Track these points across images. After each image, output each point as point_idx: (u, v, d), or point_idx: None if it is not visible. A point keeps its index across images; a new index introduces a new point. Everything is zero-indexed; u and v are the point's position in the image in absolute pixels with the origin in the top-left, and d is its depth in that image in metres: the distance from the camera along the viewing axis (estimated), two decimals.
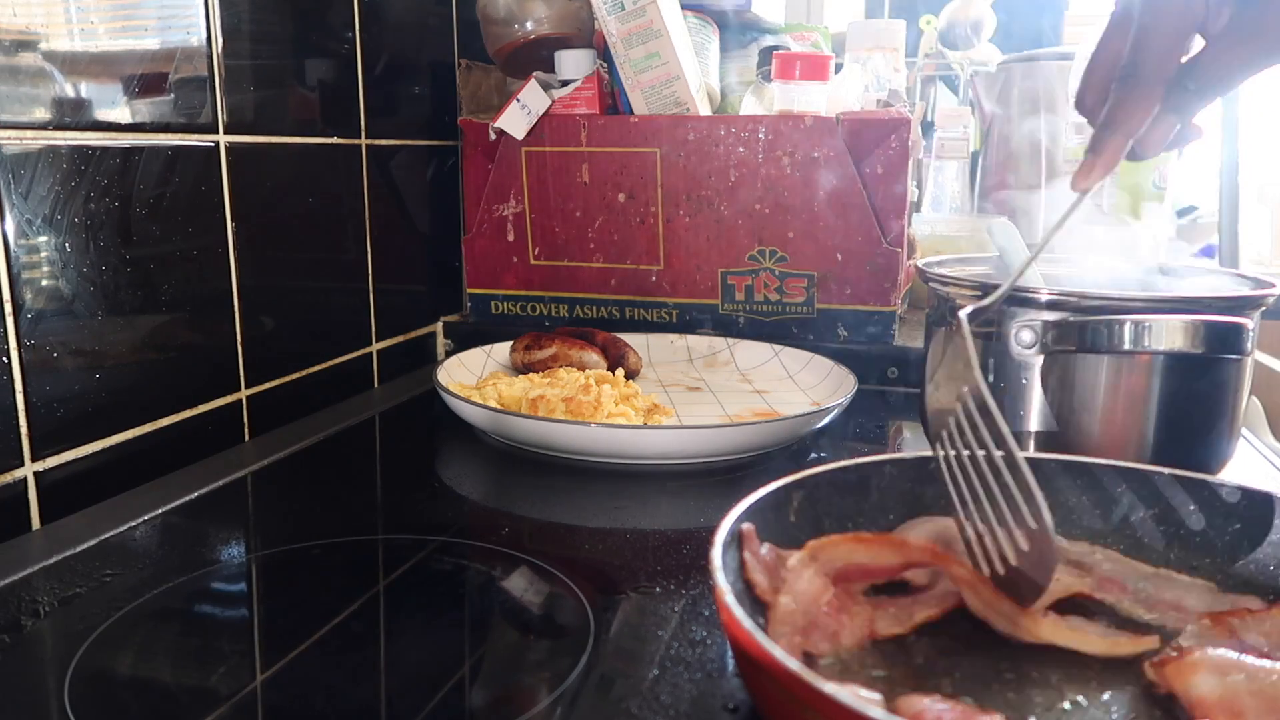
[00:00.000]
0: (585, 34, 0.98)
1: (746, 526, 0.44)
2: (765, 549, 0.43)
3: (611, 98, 0.96)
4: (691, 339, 0.95)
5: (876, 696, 0.36)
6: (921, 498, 0.50)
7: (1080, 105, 0.50)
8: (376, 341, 0.93)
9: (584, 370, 0.81)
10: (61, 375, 0.60)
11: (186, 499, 0.61)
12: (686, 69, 0.91)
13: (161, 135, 0.66)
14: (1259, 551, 0.46)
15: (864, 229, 0.90)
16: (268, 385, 0.78)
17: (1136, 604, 0.45)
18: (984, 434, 0.42)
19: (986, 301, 0.53)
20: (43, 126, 0.58)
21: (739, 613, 0.34)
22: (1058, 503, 0.50)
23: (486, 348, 0.90)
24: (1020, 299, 0.60)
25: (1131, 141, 0.47)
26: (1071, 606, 0.44)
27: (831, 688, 0.30)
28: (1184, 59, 0.46)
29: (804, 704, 0.31)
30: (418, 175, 1.00)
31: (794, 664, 0.31)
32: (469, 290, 1.04)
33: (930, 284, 0.67)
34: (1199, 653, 0.37)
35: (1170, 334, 0.54)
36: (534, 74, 0.95)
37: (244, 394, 0.75)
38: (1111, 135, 0.47)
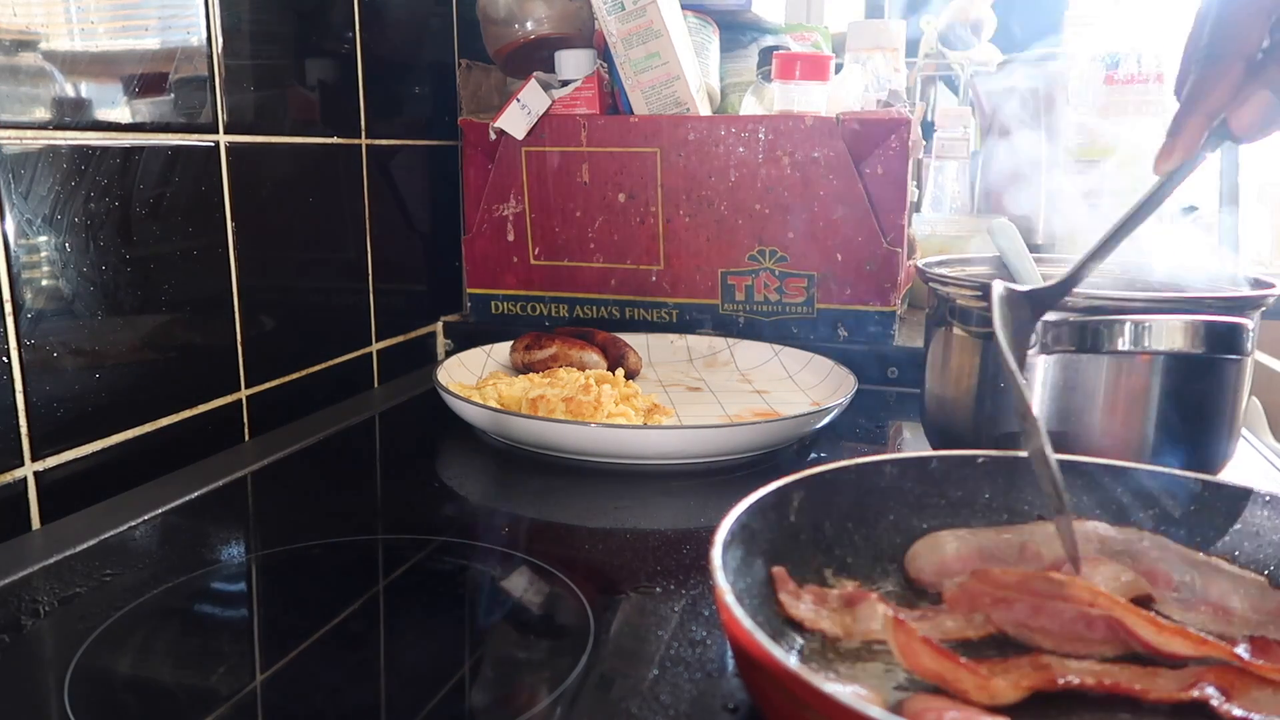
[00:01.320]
0: (585, 34, 0.98)
1: (778, 570, 0.44)
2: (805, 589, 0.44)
3: (611, 98, 0.96)
4: (691, 339, 0.95)
5: (876, 696, 0.36)
6: (921, 498, 0.50)
7: (1176, 92, 0.50)
8: (376, 341, 0.93)
9: (584, 370, 0.81)
10: (61, 375, 0.60)
11: (186, 499, 0.61)
12: (686, 69, 0.91)
13: (161, 135, 0.66)
14: None
15: (864, 229, 0.90)
16: (268, 385, 0.78)
17: (1177, 604, 0.44)
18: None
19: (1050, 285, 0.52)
20: (43, 126, 0.58)
21: (739, 612, 0.34)
22: (1108, 499, 0.50)
23: (486, 348, 0.90)
24: None
25: (1214, 121, 0.46)
26: None
27: (832, 688, 0.30)
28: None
29: (803, 703, 0.31)
30: (418, 175, 1.00)
31: (793, 663, 0.31)
32: (469, 290, 1.04)
33: (930, 284, 0.67)
34: None
35: (1170, 334, 0.53)
36: (534, 74, 0.95)
37: (244, 394, 0.75)
38: (1189, 115, 0.46)
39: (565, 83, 0.95)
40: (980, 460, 0.51)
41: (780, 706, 0.33)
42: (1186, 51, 0.49)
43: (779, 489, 0.46)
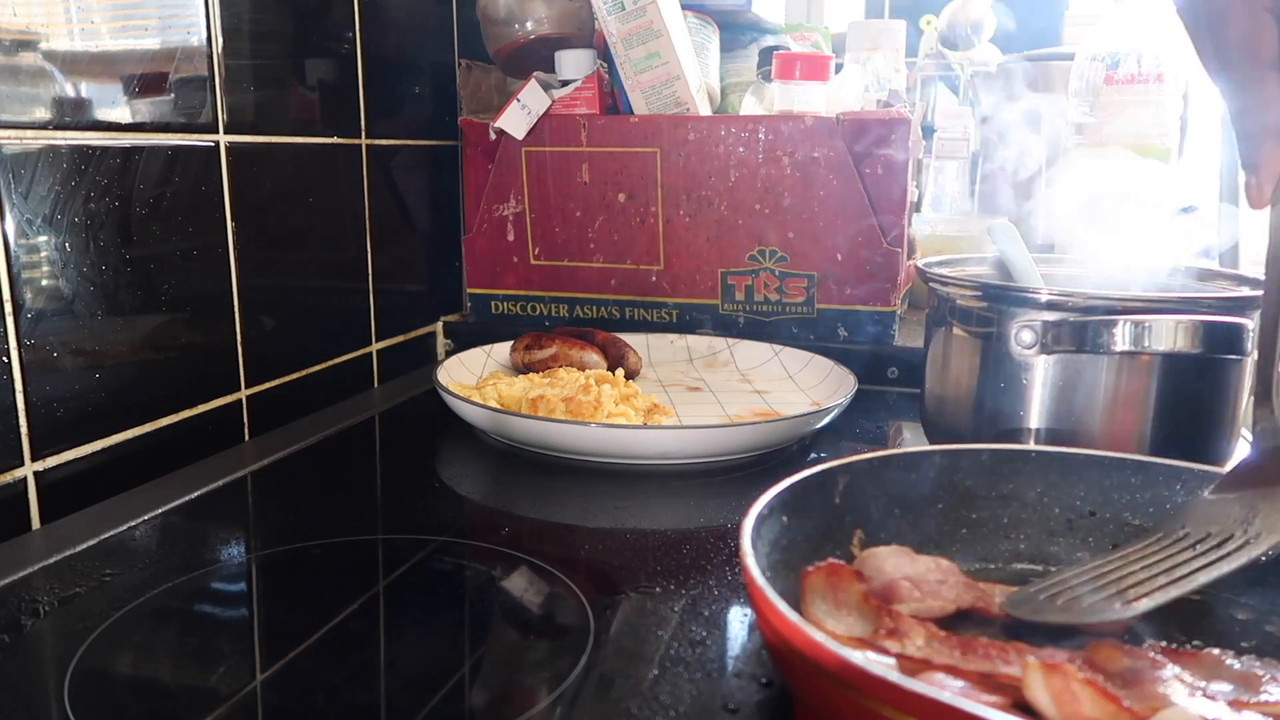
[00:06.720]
0: (585, 34, 0.98)
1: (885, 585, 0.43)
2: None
3: (611, 98, 0.96)
4: (691, 339, 0.95)
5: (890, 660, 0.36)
6: (971, 489, 0.50)
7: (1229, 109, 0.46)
8: (376, 341, 0.93)
9: (584, 370, 0.81)
10: (61, 375, 0.60)
11: (186, 499, 0.61)
12: (686, 69, 0.91)
13: (161, 135, 0.66)
14: None
15: (864, 229, 0.90)
16: (268, 385, 0.78)
17: None
18: None
19: None
20: (43, 126, 0.58)
21: (762, 582, 0.34)
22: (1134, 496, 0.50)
23: (486, 348, 0.90)
24: (1020, 299, 0.60)
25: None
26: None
27: (851, 654, 0.29)
28: None
29: (836, 679, 0.30)
30: (418, 175, 1.00)
31: (819, 636, 0.31)
32: (469, 290, 1.04)
33: (930, 284, 0.67)
34: None
35: (1170, 334, 0.53)
36: (534, 74, 0.95)
37: (244, 394, 0.75)
38: (1259, 145, 0.43)
39: (565, 83, 0.95)
40: (1033, 455, 0.51)
41: (811, 684, 0.33)
42: (1199, 59, 0.45)
43: (823, 471, 0.46)
